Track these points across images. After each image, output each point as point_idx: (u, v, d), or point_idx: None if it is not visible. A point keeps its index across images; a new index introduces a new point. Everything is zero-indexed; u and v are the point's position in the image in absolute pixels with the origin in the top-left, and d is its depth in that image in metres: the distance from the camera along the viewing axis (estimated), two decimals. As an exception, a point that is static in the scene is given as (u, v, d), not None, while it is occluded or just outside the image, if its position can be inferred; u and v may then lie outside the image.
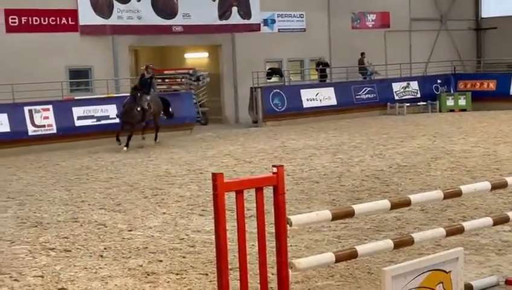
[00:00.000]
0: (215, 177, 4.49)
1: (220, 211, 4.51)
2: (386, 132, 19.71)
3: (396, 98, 26.22)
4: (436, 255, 5.23)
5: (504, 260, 6.83)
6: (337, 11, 27.50)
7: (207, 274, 6.74)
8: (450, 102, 26.16)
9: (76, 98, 20.04)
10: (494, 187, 6.00)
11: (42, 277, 6.93)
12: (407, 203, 5.48)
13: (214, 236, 4.68)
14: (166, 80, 23.67)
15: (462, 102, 26.03)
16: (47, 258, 7.64)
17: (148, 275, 6.82)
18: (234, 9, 24.75)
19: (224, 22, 24.51)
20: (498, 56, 29.60)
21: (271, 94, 23.25)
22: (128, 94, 18.43)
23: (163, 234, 8.56)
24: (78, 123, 19.08)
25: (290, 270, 4.78)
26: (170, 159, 15.73)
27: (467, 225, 5.94)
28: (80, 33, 21.46)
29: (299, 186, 11.46)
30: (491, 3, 32.08)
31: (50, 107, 18.79)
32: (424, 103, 26.29)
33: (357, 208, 5.19)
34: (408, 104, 25.79)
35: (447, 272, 5.07)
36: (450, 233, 5.78)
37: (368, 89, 25.73)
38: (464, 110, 25.67)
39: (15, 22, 20.39)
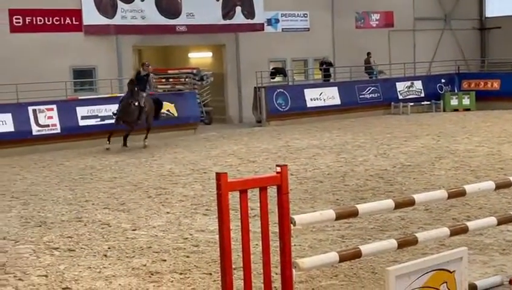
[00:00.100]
0: (219, 176, 4.50)
1: (224, 211, 4.52)
2: (389, 131, 19.69)
3: (400, 97, 26.19)
4: (440, 254, 5.21)
5: (508, 260, 6.82)
6: (341, 10, 27.48)
7: (211, 274, 6.74)
8: (454, 101, 26.13)
9: (80, 97, 20.07)
10: (499, 187, 5.99)
11: (46, 276, 6.94)
12: (411, 202, 5.48)
13: (217, 236, 4.67)
14: (170, 80, 23.69)
15: (466, 101, 26.00)
16: (51, 257, 7.65)
17: (152, 274, 6.83)
18: (238, 9, 24.75)
19: (228, 22, 24.51)
20: (502, 56, 29.55)
21: (275, 94, 23.25)
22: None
23: (167, 233, 8.56)
24: (82, 123, 19.11)
25: (293, 270, 4.79)
26: (174, 159, 15.74)
27: (471, 224, 5.94)
28: (84, 33, 21.49)
29: (303, 186, 11.45)
30: (495, 2, 32.02)
31: (54, 106, 18.83)
32: (428, 103, 26.26)
33: (361, 207, 5.19)
34: (412, 104, 25.76)
35: (451, 272, 5.06)
36: (454, 233, 5.79)
37: (372, 88, 25.70)
38: (468, 109, 25.64)
39: (19, 22, 20.42)
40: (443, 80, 27.17)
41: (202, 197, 10.86)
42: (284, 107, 23.35)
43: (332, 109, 24.28)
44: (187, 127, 21.16)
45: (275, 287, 5.27)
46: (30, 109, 18.41)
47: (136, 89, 17.23)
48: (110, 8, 21.92)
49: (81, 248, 7.99)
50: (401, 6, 29.48)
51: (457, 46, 31.32)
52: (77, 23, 21.37)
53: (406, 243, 5.50)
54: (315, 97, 24.16)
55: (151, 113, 18.18)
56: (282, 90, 23.65)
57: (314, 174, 12.73)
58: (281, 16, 26.11)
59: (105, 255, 7.62)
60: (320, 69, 26.55)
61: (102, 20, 21.76)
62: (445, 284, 5.02)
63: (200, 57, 26.45)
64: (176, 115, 21.06)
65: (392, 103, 25.87)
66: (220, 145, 18.04)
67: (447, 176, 11.85)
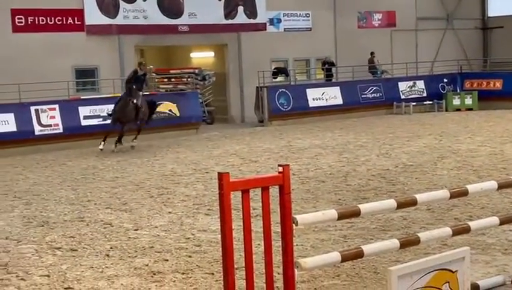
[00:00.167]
0: (221, 176, 4.50)
1: (226, 211, 4.52)
2: (392, 131, 19.68)
3: (403, 97, 26.18)
4: (443, 254, 5.22)
5: (510, 260, 6.81)
6: (343, 10, 27.48)
7: (213, 273, 6.73)
8: (456, 101, 26.11)
9: (82, 97, 20.08)
10: (501, 187, 5.99)
11: (48, 276, 6.94)
12: (414, 202, 5.47)
13: (219, 235, 4.68)
14: (172, 80, 23.70)
15: (468, 101, 25.97)
16: (53, 257, 7.65)
17: (154, 274, 6.82)
18: (240, 8, 24.75)
19: (230, 22, 24.51)
20: (504, 55, 29.52)
21: (277, 93, 23.25)
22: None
23: (169, 233, 8.56)
24: (84, 123, 19.12)
25: (296, 270, 4.79)
26: (176, 159, 15.74)
27: (473, 224, 5.93)
28: (86, 33, 21.50)
29: (305, 186, 11.45)
30: (497, 2, 31.99)
31: (56, 106, 18.84)
32: (430, 102, 26.24)
33: (363, 207, 5.19)
34: (414, 104, 25.75)
35: (453, 272, 5.06)
36: (456, 233, 5.78)
37: (374, 88, 25.69)
38: (471, 109, 25.61)
39: (21, 22, 20.44)
40: (445, 80, 27.15)
41: (204, 197, 10.86)
42: (286, 107, 23.35)
43: (335, 108, 24.27)
44: (189, 126, 21.17)
45: (277, 287, 5.27)
46: (32, 108, 18.43)
47: (134, 87, 16.99)
48: (112, 7, 21.94)
49: (84, 248, 7.99)
50: (404, 6, 29.46)
51: (460, 46, 31.29)
52: (79, 23, 21.39)
53: (408, 243, 5.49)
54: (317, 97, 24.15)
55: (146, 115, 17.89)
56: (284, 90, 23.64)
57: (316, 174, 12.72)
58: (283, 16, 26.11)
59: (108, 255, 7.63)
60: (322, 69, 26.54)
61: (105, 20, 21.78)
62: (447, 284, 5.03)
63: (202, 57, 26.46)
64: (178, 114, 21.06)
65: (394, 103, 25.86)
66: (222, 145, 18.04)
67: (449, 176, 11.84)
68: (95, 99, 19.97)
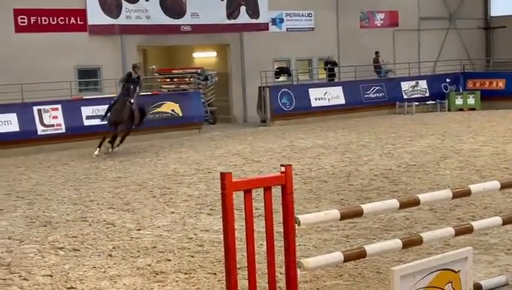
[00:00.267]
0: (224, 176, 4.50)
1: (229, 211, 4.52)
2: (394, 131, 19.67)
3: (405, 97, 26.16)
4: (445, 254, 5.22)
5: (513, 260, 6.81)
6: (345, 10, 27.47)
7: (215, 273, 6.73)
8: (459, 101, 26.09)
9: (85, 97, 20.10)
10: (504, 186, 5.99)
11: (51, 276, 6.94)
12: (416, 202, 5.47)
13: (222, 235, 4.69)
14: (175, 80, 23.70)
15: (471, 101, 25.95)
16: (56, 257, 7.65)
17: (156, 274, 6.83)
18: (242, 8, 24.75)
19: (232, 22, 24.51)
20: (507, 55, 29.48)
21: (279, 93, 23.25)
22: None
23: (171, 233, 8.57)
24: (86, 123, 19.12)
25: (298, 270, 4.79)
26: (178, 159, 15.75)
27: (476, 224, 5.94)
28: (89, 33, 21.52)
29: (308, 186, 11.45)
30: (500, 2, 31.95)
31: (59, 106, 18.86)
32: (433, 102, 26.22)
33: (366, 207, 5.19)
34: (417, 103, 25.72)
35: (456, 272, 5.06)
36: (459, 232, 5.78)
37: (377, 88, 25.68)
38: (473, 109, 25.59)
39: (24, 22, 20.46)
40: (448, 80, 27.12)
41: (207, 197, 10.86)
42: (288, 106, 23.35)
43: (337, 108, 24.26)
44: (192, 126, 21.18)
45: (280, 287, 5.27)
46: (35, 108, 18.44)
47: (131, 87, 16.40)
48: (115, 8, 21.95)
49: (86, 248, 8.00)
50: (406, 6, 29.44)
51: (462, 46, 31.26)
52: (82, 23, 21.41)
53: (411, 242, 5.49)
54: (320, 97, 24.15)
55: (137, 119, 17.21)
56: (286, 89, 23.64)
57: (318, 173, 12.72)
58: (286, 16, 26.10)
59: (110, 255, 7.63)
60: (325, 69, 26.53)
61: (107, 20, 21.79)
62: (450, 284, 5.03)
63: (205, 57, 26.46)
64: (180, 114, 21.07)
65: (397, 103, 25.84)
66: (224, 145, 18.05)
67: (452, 176, 11.83)
68: (97, 99, 19.98)
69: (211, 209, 9.84)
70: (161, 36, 23.09)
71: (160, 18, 22.83)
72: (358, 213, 5.17)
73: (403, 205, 5.44)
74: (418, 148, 15.52)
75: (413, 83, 26.62)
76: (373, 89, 25.53)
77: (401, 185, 11.20)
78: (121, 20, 22.06)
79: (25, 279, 6.88)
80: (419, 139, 17.24)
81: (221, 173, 4.53)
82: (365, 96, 25.26)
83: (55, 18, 20.95)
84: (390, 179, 11.81)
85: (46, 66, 20.26)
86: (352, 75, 25.77)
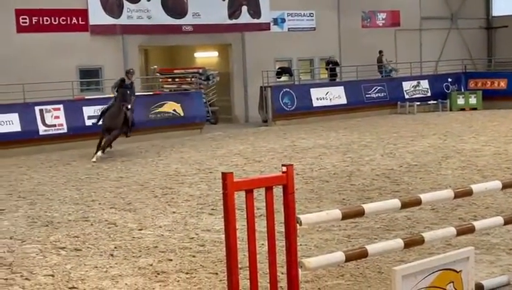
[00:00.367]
0: (225, 176, 4.51)
1: (230, 211, 4.53)
2: (396, 131, 19.68)
3: (407, 97, 26.16)
4: (447, 254, 5.22)
5: (515, 260, 6.81)
6: (347, 10, 27.47)
7: (217, 273, 6.75)
8: (460, 101, 26.09)
9: (86, 97, 20.11)
10: (505, 186, 5.99)
11: (53, 275, 6.96)
12: (418, 202, 5.48)
13: (223, 235, 4.69)
14: (176, 79, 23.72)
15: (472, 101, 25.96)
16: (58, 257, 7.67)
17: (158, 274, 6.84)
18: (244, 8, 24.75)
19: (234, 21, 24.52)
20: (509, 55, 29.47)
21: (281, 93, 23.25)
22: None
23: (173, 233, 8.58)
24: (88, 123, 19.13)
25: (299, 270, 4.80)
26: (180, 159, 15.76)
27: (477, 224, 5.94)
28: (90, 33, 21.54)
29: (309, 186, 11.46)
30: (502, 1, 31.94)
31: (61, 106, 18.88)
32: (435, 102, 26.22)
33: (367, 207, 5.20)
34: (418, 103, 25.73)
35: (457, 272, 5.07)
36: (460, 232, 5.79)
37: (378, 88, 25.68)
38: (475, 109, 25.59)
39: (25, 22, 20.48)
40: (450, 79, 27.12)
41: (208, 196, 10.88)
42: (290, 106, 23.36)
43: (339, 108, 24.27)
44: (193, 126, 21.19)
45: (281, 286, 5.27)
46: (37, 108, 18.47)
47: (128, 92, 15.84)
48: (116, 8, 21.97)
49: (88, 248, 8.01)
50: (408, 6, 29.44)
51: (464, 45, 31.26)
52: (83, 23, 21.43)
53: (413, 242, 5.50)
54: (321, 97, 24.15)
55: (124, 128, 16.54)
56: (288, 89, 23.64)
57: (320, 173, 12.73)
58: (287, 16, 26.11)
59: (112, 255, 7.64)
60: (327, 69, 26.54)
61: (109, 20, 21.81)
62: (451, 284, 5.04)
63: (206, 57, 26.48)
64: (182, 114, 21.09)
65: (399, 103, 25.84)
66: (226, 145, 18.06)
67: (453, 176, 11.84)
68: (99, 99, 19.98)
69: (213, 209, 9.85)
70: (163, 36, 23.11)
71: (162, 18, 22.85)
72: (360, 213, 5.18)
73: (405, 205, 5.44)
74: (420, 148, 15.52)
75: (414, 82, 26.62)
76: (375, 89, 25.53)
77: (402, 185, 11.21)
78: (123, 20, 22.08)
79: (26, 279, 6.90)
80: (421, 139, 17.24)
81: (223, 173, 4.54)
82: (367, 96, 25.26)
83: (56, 18, 20.97)
84: (391, 179, 11.81)
85: (47, 66, 20.28)
86: (353, 75, 25.77)
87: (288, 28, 26.23)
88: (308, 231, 7.98)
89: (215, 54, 26.25)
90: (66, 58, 20.81)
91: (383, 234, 8.00)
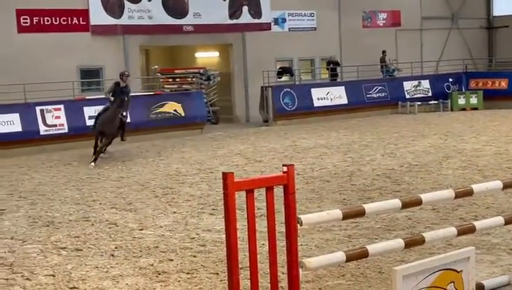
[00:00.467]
0: (226, 176, 4.52)
1: (231, 210, 4.54)
2: (397, 130, 19.69)
3: (408, 96, 26.18)
4: (448, 254, 5.23)
5: (516, 260, 6.82)
6: (348, 10, 27.48)
7: (217, 273, 6.76)
8: (461, 101, 26.10)
9: (87, 97, 20.12)
10: (506, 186, 6.00)
11: (54, 276, 6.97)
12: (418, 202, 5.48)
13: (224, 235, 4.69)
14: (177, 79, 23.73)
15: (473, 101, 25.97)
16: (58, 257, 7.68)
17: (159, 274, 6.85)
18: (245, 8, 24.77)
19: (234, 21, 24.54)
20: (510, 54, 29.47)
21: (281, 93, 23.27)
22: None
23: (174, 233, 8.59)
24: (89, 123, 19.10)
25: (300, 270, 4.81)
26: (181, 159, 15.78)
27: (478, 224, 5.95)
28: (91, 33, 21.56)
29: (310, 186, 11.47)
30: (502, 1, 31.96)
31: (61, 106, 18.91)
32: (436, 102, 26.24)
33: (368, 207, 5.21)
34: (419, 103, 25.75)
35: (458, 272, 5.08)
36: (461, 232, 5.79)
37: (379, 88, 25.69)
38: (476, 108, 25.60)
39: (26, 22, 20.50)
40: (450, 79, 27.14)
41: (209, 196, 10.89)
42: (290, 106, 23.36)
43: (339, 108, 24.28)
44: (194, 126, 21.21)
45: (282, 286, 5.28)
46: (38, 109, 18.49)
47: (126, 98, 15.43)
48: (117, 8, 21.98)
49: (89, 248, 8.02)
50: (408, 6, 29.45)
51: (465, 45, 31.26)
52: (84, 23, 21.45)
53: (413, 242, 5.50)
54: (322, 97, 24.16)
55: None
56: (289, 89, 23.66)
57: (321, 173, 12.73)
58: (288, 16, 26.13)
59: (113, 255, 7.65)
60: (327, 69, 26.55)
61: (110, 20, 21.83)
62: (452, 283, 5.04)
63: (207, 57, 26.50)
64: (182, 114, 21.11)
65: (400, 102, 25.86)
66: (226, 145, 18.07)
67: (454, 176, 11.84)
68: (100, 99, 19.98)
69: (213, 209, 9.86)
70: (163, 36, 23.12)
71: (163, 18, 22.86)
72: (361, 213, 5.18)
73: (405, 205, 5.44)
74: (421, 148, 15.53)
75: (415, 82, 26.64)
76: (375, 89, 25.54)
77: (403, 184, 11.22)
78: (124, 20, 22.10)
79: (27, 279, 6.91)
80: (422, 139, 17.25)
81: (223, 173, 4.54)
82: (367, 96, 25.27)
83: (57, 18, 20.99)
84: (392, 178, 11.82)
85: (48, 66, 20.30)
86: (354, 75, 25.79)
87: (289, 28, 26.25)
88: (309, 231, 7.99)
89: (216, 54, 26.27)
90: (67, 58, 20.83)
91: (384, 234, 8.00)
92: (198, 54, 26.86)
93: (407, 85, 26.41)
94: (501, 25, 31.92)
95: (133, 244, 8.11)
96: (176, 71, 24.26)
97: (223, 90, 24.48)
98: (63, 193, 11.90)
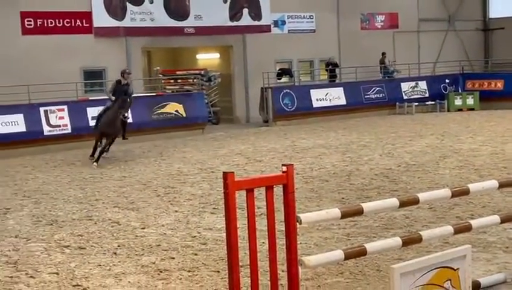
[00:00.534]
0: (226, 176, 4.56)
1: (231, 209, 4.58)
2: (394, 131, 19.73)
3: (405, 97, 26.23)
4: (444, 252, 5.27)
5: (511, 258, 6.88)
6: (346, 12, 27.53)
7: (218, 271, 6.81)
8: (458, 101, 26.17)
9: (90, 98, 20.17)
10: (502, 185, 6.04)
11: (57, 273, 7.03)
12: (416, 201, 5.52)
13: (225, 234, 4.74)
14: (179, 81, 23.81)
15: (470, 101, 26.02)
16: (62, 255, 7.74)
17: (160, 272, 6.90)
18: (245, 10, 24.82)
19: (235, 24, 24.59)
20: (505, 56, 29.44)
21: (281, 94, 23.34)
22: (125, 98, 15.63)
23: (175, 231, 8.64)
24: (92, 123, 19.19)
25: (299, 268, 4.85)
26: (182, 158, 15.84)
27: (474, 222, 6.00)
28: (94, 35, 21.62)
29: (309, 185, 11.52)
30: (498, 3, 31.98)
31: (65, 107, 19.00)
32: (433, 103, 26.29)
33: (366, 206, 5.25)
34: (416, 104, 25.80)
35: (455, 269, 5.11)
36: (457, 231, 5.81)
37: (377, 88, 25.76)
38: (472, 109, 25.66)
39: (30, 24, 20.58)
40: (447, 80, 27.18)
41: (210, 196, 10.95)
42: (290, 107, 23.44)
43: (338, 109, 24.34)
44: (195, 127, 21.28)
45: (281, 284, 5.33)
46: (41, 109, 18.58)
47: (128, 100, 15.27)
48: (120, 10, 22.06)
49: (92, 246, 8.08)
50: (406, 8, 29.48)
51: (461, 47, 31.29)
52: (87, 25, 21.52)
53: (411, 241, 5.54)
54: (321, 97, 24.24)
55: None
56: (288, 90, 23.74)
57: (320, 173, 12.80)
58: (288, 18, 26.18)
59: (115, 253, 7.71)
60: (326, 70, 26.60)
61: (112, 23, 21.90)
62: (449, 281, 5.08)
63: (208, 58, 26.54)
64: (184, 115, 21.18)
65: (397, 103, 25.91)
66: (227, 145, 18.12)
67: (451, 175, 11.89)
68: (103, 100, 20.03)
69: (214, 208, 9.91)
70: (165, 38, 23.18)
71: (165, 20, 22.93)
72: (359, 212, 5.23)
73: (403, 204, 5.48)
74: (418, 148, 15.59)
75: (413, 83, 26.70)
76: (373, 90, 25.61)
77: (401, 184, 11.28)
78: (126, 22, 22.16)
79: (31, 277, 6.96)
80: (419, 139, 17.30)
81: (224, 173, 4.58)
82: (366, 97, 25.34)
83: (61, 20, 21.06)
84: (390, 178, 11.88)
85: (52, 68, 20.36)
86: (353, 76, 25.84)
87: (289, 30, 26.30)
88: (308, 229, 8.03)
89: (217, 55, 26.32)
90: (70, 60, 20.90)
91: (382, 233, 8.05)
92: (199, 56, 26.90)
93: (405, 86, 26.46)
94: (497, 27, 31.94)
95: (135, 242, 8.16)
96: (178, 72, 24.33)
97: (223, 91, 24.55)
98: (67, 192, 11.97)
